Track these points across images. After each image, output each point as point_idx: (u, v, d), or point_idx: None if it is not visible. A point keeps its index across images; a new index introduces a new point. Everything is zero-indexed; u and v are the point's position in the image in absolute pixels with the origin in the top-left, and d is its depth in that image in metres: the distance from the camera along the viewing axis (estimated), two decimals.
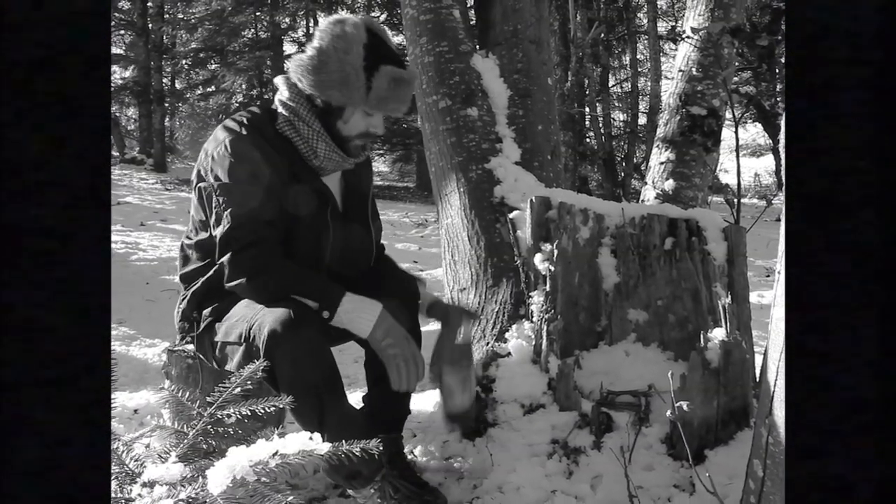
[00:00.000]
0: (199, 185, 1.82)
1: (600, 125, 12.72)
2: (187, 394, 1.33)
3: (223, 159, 1.75)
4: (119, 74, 16.47)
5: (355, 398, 1.97)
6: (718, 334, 1.86)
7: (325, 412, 1.64)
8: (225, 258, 1.73)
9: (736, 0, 3.11)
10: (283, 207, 1.77)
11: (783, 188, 1.16)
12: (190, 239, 1.93)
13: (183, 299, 1.91)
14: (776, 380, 1.27)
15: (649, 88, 11.86)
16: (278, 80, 1.87)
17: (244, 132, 1.78)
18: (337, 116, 1.82)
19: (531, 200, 2.15)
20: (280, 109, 1.84)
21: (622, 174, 12.14)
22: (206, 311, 1.84)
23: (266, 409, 1.29)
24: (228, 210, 1.73)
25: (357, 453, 1.12)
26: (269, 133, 1.81)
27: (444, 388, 1.92)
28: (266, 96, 14.99)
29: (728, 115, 3.17)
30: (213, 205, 1.77)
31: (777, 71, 14.11)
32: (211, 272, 1.83)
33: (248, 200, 1.73)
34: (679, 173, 3.01)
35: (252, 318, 1.70)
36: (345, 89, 1.76)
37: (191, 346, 2.06)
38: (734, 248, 2.18)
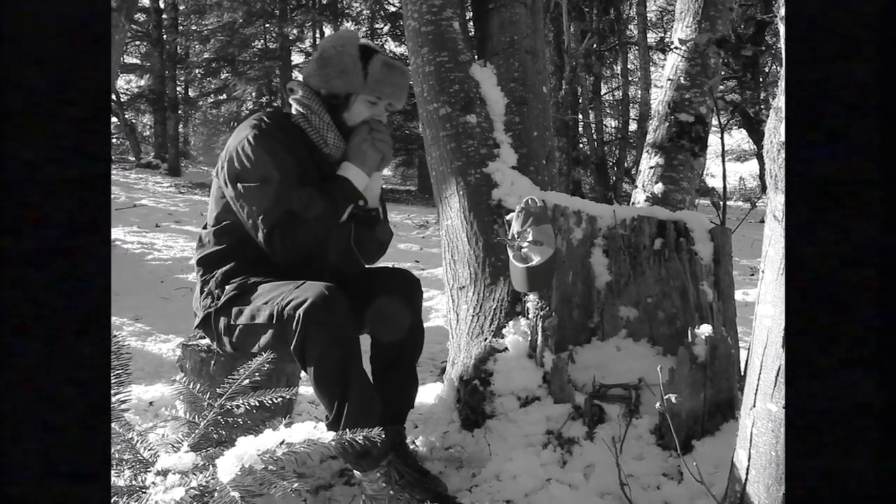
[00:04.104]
0: (233, 188, 1.86)
1: (593, 131, 12.72)
2: (199, 386, 1.33)
3: (247, 156, 1.83)
4: (135, 83, 16.48)
5: None
6: (705, 330, 1.86)
7: (350, 387, 1.67)
8: (275, 253, 1.83)
9: (722, 12, 3.10)
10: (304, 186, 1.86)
11: (767, 191, 1.15)
12: (206, 228, 1.99)
13: (210, 278, 1.92)
14: (760, 373, 1.26)
15: (639, 96, 11.85)
16: (292, 84, 1.99)
17: (264, 126, 1.88)
18: (342, 108, 1.95)
19: (526, 202, 2.14)
20: (295, 106, 1.96)
21: (614, 178, 12.14)
22: (230, 287, 1.87)
23: (274, 399, 1.29)
24: (262, 215, 1.81)
25: (361, 441, 1.12)
26: (287, 126, 1.93)
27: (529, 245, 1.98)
28: (275, 104, 15.00)
29: (714, 121, 3.17)
30: (243, 208, 1.84)
31: (760, 79, 14.11)
32: (237, 256, 1.90)
33: (275, 198, 1.81)
34: (668, 177, 3.01)
35: (283, 299, 1.72)
36: (345, 76, 1.91)
37: (205, 340, 2.06)
38: (720, 249, 2.18)
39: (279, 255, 1.83)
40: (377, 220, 2.07)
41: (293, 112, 1.96)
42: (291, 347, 1.67)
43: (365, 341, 1.99)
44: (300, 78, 2.00)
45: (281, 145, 1.86)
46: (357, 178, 1.93)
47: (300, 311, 1.65)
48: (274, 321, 1.72)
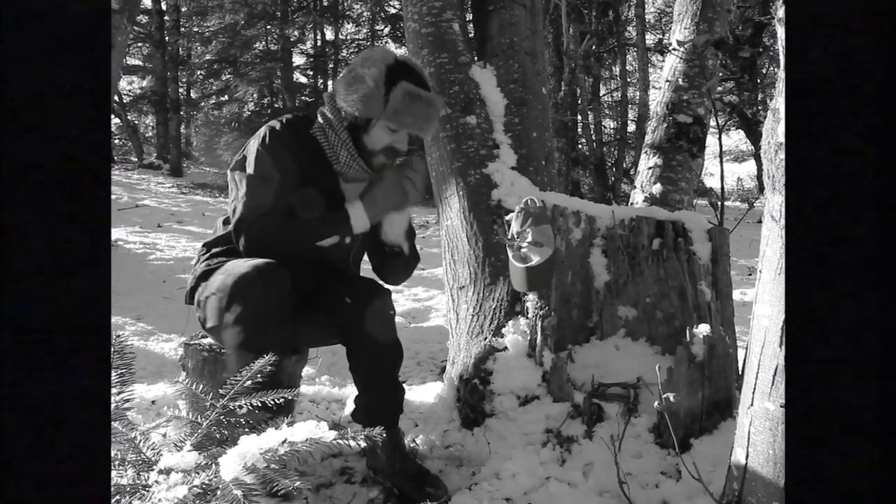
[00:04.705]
0: (231, 175, 1.91)
1: (592, 132, 12.73)
2: (201, 386, 1.33)
3: (256, 152, 1.85)
4: (137, 84, 16.49)
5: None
6: (703, 330, 1.86)
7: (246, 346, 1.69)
8: (239, 242, 1.84)
9: (720, 14, 3.10)
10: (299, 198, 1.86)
11: (764, 192, 1.15)
12: (224, 214, 2.03)
13: (199, 261, 1.98)
14: (758, 372, 1.27)
15: (638, 98, 11.85)
16: (326, 94, 1.98)
17: (279, 129, 1.88)
18: (363, 130, 1.89)
19: (526, 202, 2.15)
20: (319, 118, 1.93)
21: (612, 179, 12.14)
22: (201, 265, 1.92)
23: (276, 399, 1.29)
24: (244, 201, 1.83)
25: (360, 442, 1.12)
26: (303, 134, 1.90)
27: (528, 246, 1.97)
28: (276, 105, 15.01)
29: (712, 122, 3.17)
30: (235, 192, 1.87)
31: (758, 81, 14.11)
32: (230, 242, 1.91)
33: (264, 194, 1.82)
34: (666, 178, 3.01)
35: (232, 269, 1.75)
36: (366, 100, 1.84)
37: (207, 340, 2.07)
38: (718, 249, 2.18)
39: (242, 247, 1.84)
40: (398, 256, 2.05)
41: (316, 120, 1.93)
42: (225, 310, 1.71)
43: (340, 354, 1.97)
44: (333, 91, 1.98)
45: (287, 150, 1.85)
46: (357, 220, 1.87)
47: (232, 278, 1.70)
48: (218, 291, 1.76)
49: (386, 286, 1.99)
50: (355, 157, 1.90)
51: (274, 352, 1.42)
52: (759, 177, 14.83)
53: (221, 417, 1.27)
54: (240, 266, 1.74)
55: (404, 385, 2.02)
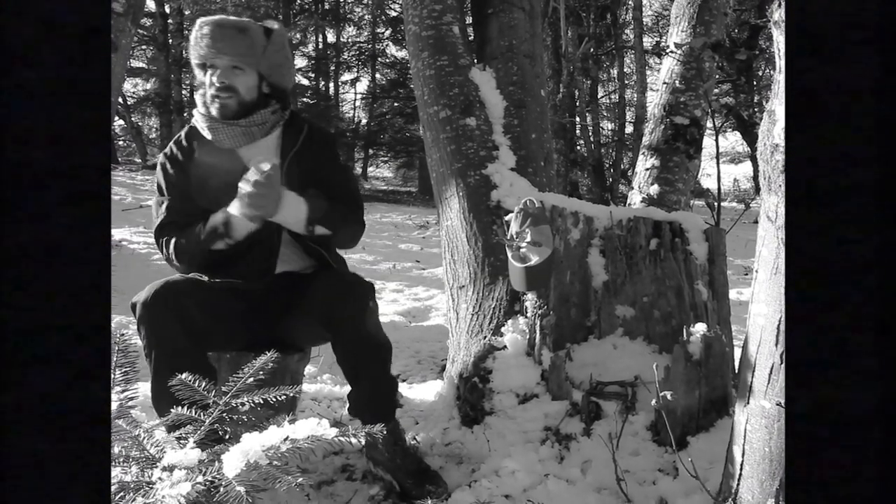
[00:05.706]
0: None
1: (590, 134, 12.73)
2: (204, 383, 1.33)
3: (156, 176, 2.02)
4: (141, 86, 16.50)
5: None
6: (700, 329, 1.86)
7: (155, 372, 1.73)
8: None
9: (716, 17, 3.11)
10: (204, 196, 1.91)
11: (760, 192, 1.15)
12: None
13: None
14: (754, 371, 1.27)
15: (635, 100, 11.84)
16: None
17: (168, 150, 2.00)
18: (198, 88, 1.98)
19: (525, 203, 2.15)
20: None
21: (610, 180, 12.14)
22: None
23: (278, 397, 1.29)
24: (155, 220, 1.96)
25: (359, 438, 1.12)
26: (189, 136, 1.99)
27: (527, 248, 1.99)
28: None
29: (709, 124, 3.17)
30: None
31: (754, 83, 14.11)
32: None
33: (164, 210, 1.94)
34: (663, 179, 3.01)
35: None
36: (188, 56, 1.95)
37: None
38: (714, 249, 2.18)
39: (163, 257, 1.95)
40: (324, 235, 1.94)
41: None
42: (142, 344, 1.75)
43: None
44: None
45: (177, 164, 1.94)
46: (235, 223, 1.81)
47: (135, 301, 1.75)
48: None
49: (367, 280, 1.90)
50: (210, 117, 1.92)
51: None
52: (756, 178, 14.84)
53: (224, 415, 1.27)
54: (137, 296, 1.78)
55: (405, 383, 2.02)
